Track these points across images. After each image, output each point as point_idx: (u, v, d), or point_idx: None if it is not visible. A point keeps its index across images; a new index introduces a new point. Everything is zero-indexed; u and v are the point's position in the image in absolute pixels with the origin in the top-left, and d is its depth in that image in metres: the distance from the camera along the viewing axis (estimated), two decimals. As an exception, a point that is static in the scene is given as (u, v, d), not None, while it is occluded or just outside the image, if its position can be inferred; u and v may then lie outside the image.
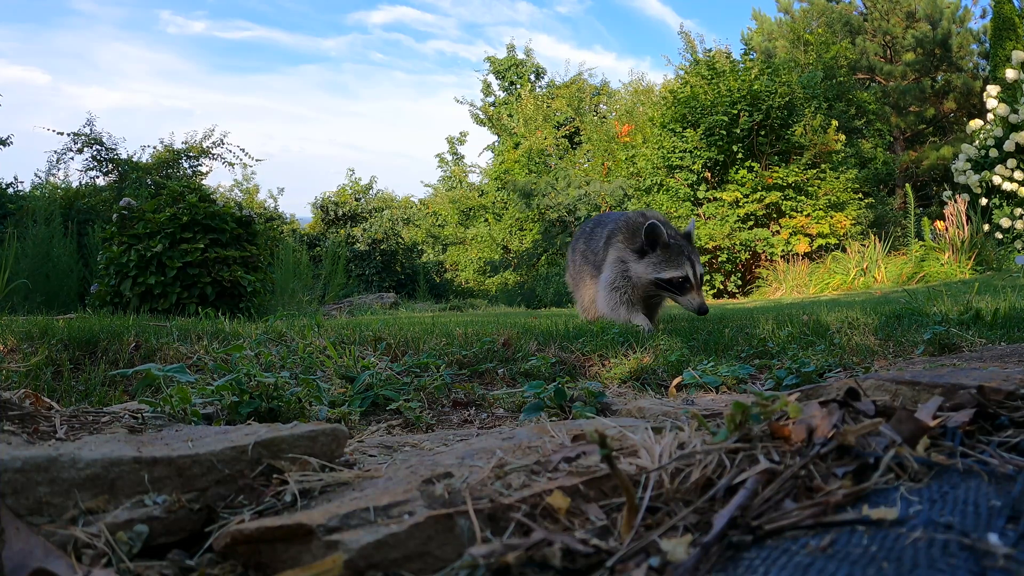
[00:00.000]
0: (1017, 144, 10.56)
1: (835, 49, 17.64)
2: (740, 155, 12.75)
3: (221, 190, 18.25)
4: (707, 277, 12.29)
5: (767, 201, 12.41)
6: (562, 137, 20.17)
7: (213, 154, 13.36)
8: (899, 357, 2.47)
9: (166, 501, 0.79)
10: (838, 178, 12.86)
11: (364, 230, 18.07)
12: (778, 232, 12.41)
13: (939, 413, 0.84)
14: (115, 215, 5.79)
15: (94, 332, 2.60)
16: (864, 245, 10.49)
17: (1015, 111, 10.66)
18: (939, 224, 10.37)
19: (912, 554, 0.56)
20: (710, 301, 9.70)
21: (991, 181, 10.88)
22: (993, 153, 10.94)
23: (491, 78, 22.86)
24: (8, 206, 9.59)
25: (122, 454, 0.82)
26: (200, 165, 13.36)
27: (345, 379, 2.10)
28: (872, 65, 19.77)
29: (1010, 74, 10.94)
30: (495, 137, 22.23)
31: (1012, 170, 10.60)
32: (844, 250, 11.34)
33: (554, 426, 1.13)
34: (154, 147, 12.92)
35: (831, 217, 12.49)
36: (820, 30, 18.58)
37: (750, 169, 12.64)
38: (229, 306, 5.44)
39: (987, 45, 15.91)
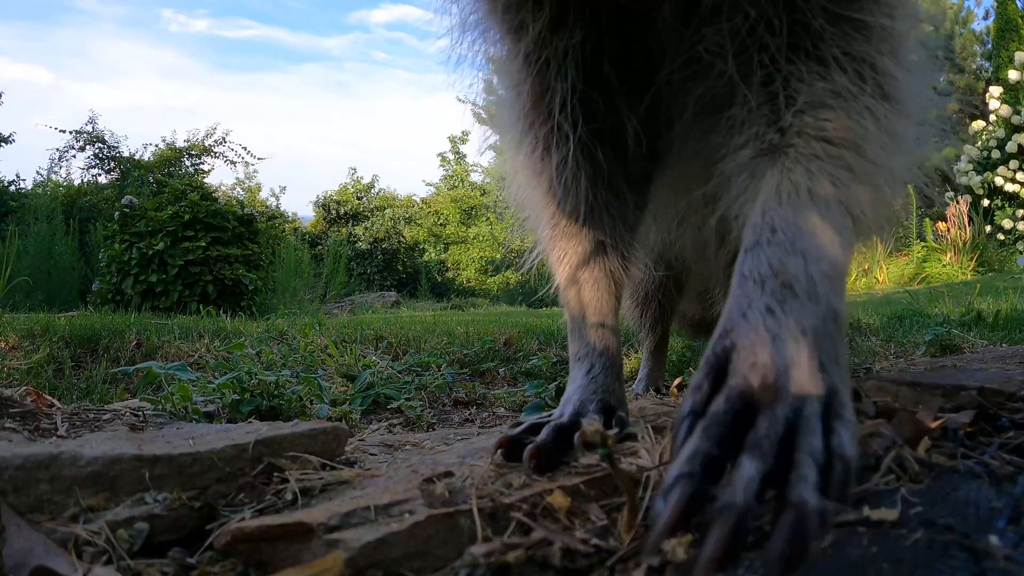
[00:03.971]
0: (1019, 145, 10.53)
1: (837, 49, 17.59)
2: (742, 155, 12.71)
3: (223, 188, 18.17)
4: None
5: (769, 201, 12.34)
6: (564, 136, 20.14)
7: (215, 152, 13.35)
8: (900, 358, 2.47)
9: (167, 499, 0.79)
10: (840, 179, 12.82)
11: (366, 229, 18.05)
12: (780, 232, 12.35)
13: (940, 414, 0.84)
14: (117, 213, 5.80)
15: (96, 330, 2.61)
16: (865, 246, 10.45)
17: (1017, 112, 10.63)
18: (941, 225, 10.35)
19: (912, 555, 0.56)
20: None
21: (993, 182, 10.85)
22: (995, 154, 10.91)
23: (493, 77, 22.83)
24: (10, 204, 9.60)
25: (123, 452, 0.82)
26: (202, 163, 13.35)
27: (346, 378, 2.10)
28: (874, 66, 19.75)
29: (1013, 75, 10.91)
30: (497, 136, 22.18)
31: (1014, 171, 10.57)
32: (846, 251, 11.30)
33: (555, 426, 1.13)
34: (156, 145, 12.94)
35: (833, 218, 12.44)
36: (823, 30, 18.52)
37: (752, 169, 12.60)
38: (231, 304, 5.44)
39: (990, 46, 15.86)
